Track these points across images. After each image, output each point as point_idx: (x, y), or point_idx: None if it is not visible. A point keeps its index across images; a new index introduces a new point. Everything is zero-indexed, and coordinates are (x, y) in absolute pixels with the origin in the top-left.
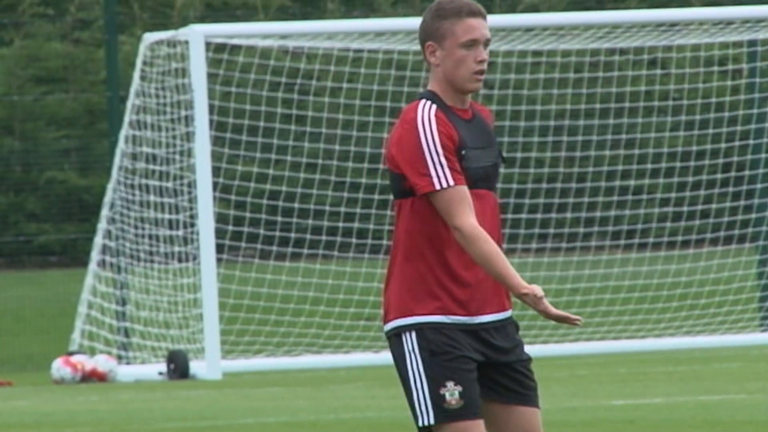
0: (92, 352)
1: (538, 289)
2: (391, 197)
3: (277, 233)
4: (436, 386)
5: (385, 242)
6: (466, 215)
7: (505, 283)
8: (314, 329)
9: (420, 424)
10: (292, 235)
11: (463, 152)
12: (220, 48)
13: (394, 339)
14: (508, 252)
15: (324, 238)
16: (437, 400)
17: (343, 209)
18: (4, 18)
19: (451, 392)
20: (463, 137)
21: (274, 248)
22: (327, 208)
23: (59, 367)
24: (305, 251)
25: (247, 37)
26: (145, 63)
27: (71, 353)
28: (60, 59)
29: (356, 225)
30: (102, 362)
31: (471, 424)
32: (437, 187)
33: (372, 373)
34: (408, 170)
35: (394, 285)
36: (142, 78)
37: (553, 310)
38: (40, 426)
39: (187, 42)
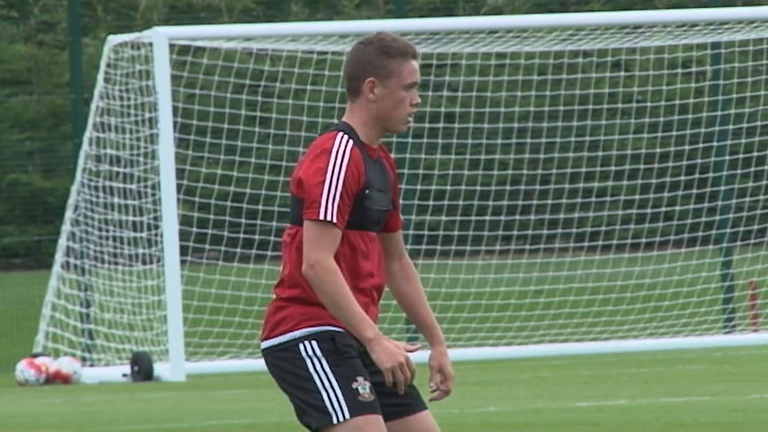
0: (56, 354)
1: (398, 350)
2: (287, 224)
3: (242, 235)
4: (347, 381)
5: None
6: (329, 253)
7: (354, 326)
8: None
9: (335, 421)
10: (257, 237)
11: (367, 191)
12: (184, 50)
13: (287, 352)
14: (472, 254)
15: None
16: (352, 394)
17: None
18: None
19: (363, 386)
20: (369, 176)
21: (239, 250)
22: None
23: (23, 369)
24: (269, 253)
25: (211, 39)
26: (108, 65)
27: (35, 355)
28: (24, 61)
29: None
30: (66, 364)
31: (381, 419)
32: (320, 216)
33: None
34: (306, 195)
35: (282, 305)
36: (106, 80)
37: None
38: (4, 428)
39: (151, 44)
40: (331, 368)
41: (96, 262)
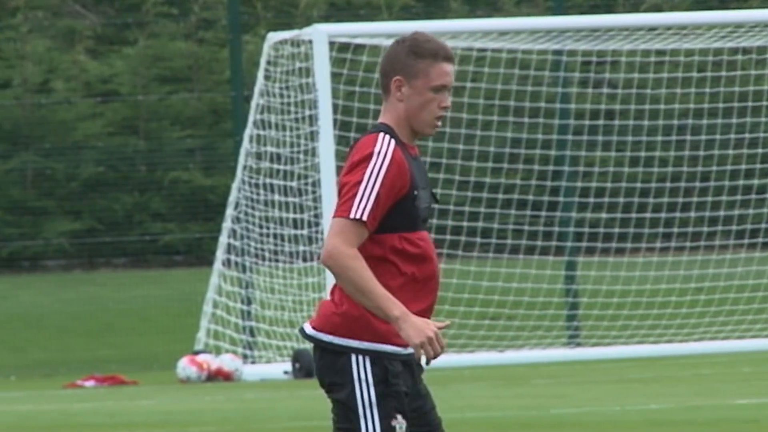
0: (218, 351)
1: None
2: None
3: None
4: (387, 420)
5: (509, 241)
6: (351, 244)
7: (380, 307)
8: None
9: None
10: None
11: (416, 192)
12: (343, 47)
13: (342, 356)
14: (633, 251)
15: (448, 237)
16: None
17: (467, 208)
18: (129, 18)
19: (401, 425)
20: (415, 176)
21: None
22: (451, 207)
23: (185, 367)
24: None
25: (371, 36)
26: (269, 62)
27: (197, 352)
28: (184, 59)
29: (480, 224)
30: (227, 361)
31: None
32: (350, 215)
33: (496, 373)
34: (341, 192)
35: (343, 299)
36: (266, 77)
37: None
38: (166, 425)
39: (310, 41)
40: (377, 400)
41: (257, 259)
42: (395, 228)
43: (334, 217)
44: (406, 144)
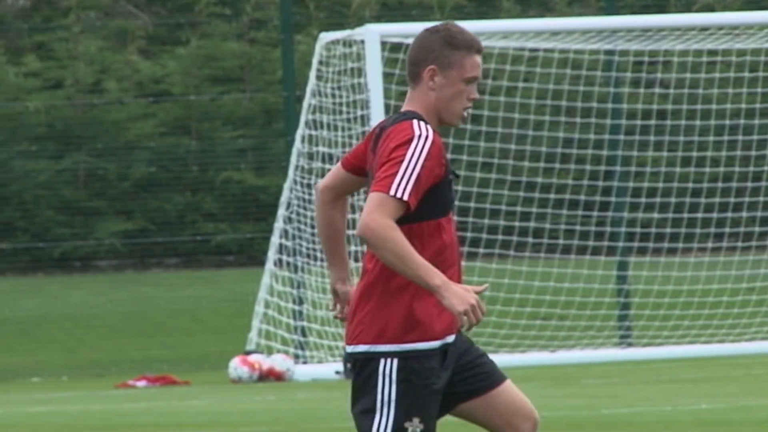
0: (269, 351)
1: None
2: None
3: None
4: (402, 419)
5: (561, 241)
6: (389, 216)
7: (421, 276)
8: (490, 329)
9: None
10: (468, 234)
11: (450, 177)
12: (395, 47)
13: (370, 362)
14: (685, 251)
15: (500, 237)
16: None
17: (519, 208)
18: (181, 18)
19: (415, 429)
20: (449, 162)
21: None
22: (503, 207)
23: (236, 367)
24: (481, 251)
25: None
26: (321, 62)
27: (248, 352)
28: (236, 59)
29: (532, 224)
30: (279, 361)
31: None
32: (390, 191)
33: (548, 373)
34: (379, 170)
35: (372, 308)
36: (318, 77)
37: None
38: (217, 425)
39: (362, 41)
40: (396, 398)
41: (308, 259)
42: (434, 214)
43: (372, 191)
44: (435, 131)
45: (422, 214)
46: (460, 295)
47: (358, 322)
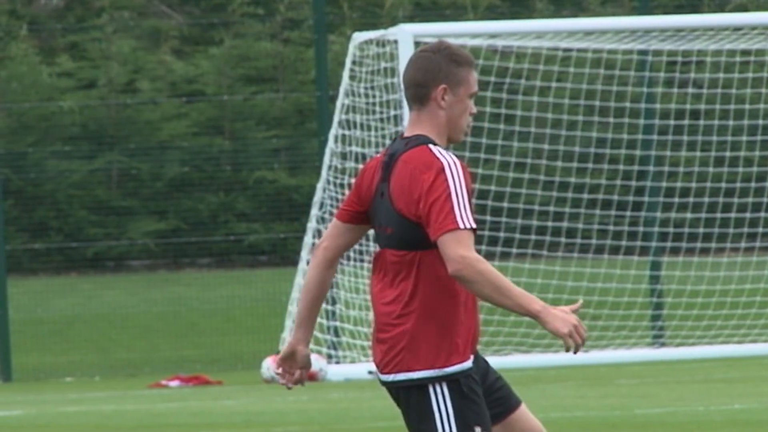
0: None
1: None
2: (396, 248)
3: (486, 232)
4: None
5: (594, 241)
6: (473, 249)
7: (522, 305)
8: (523, 328)
9: None
10: (501, 234)
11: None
12: None
13: (418, 389)
14: (717, 251)
15: (533, 237)
16: None
17: (552, 208)
18: (215, 18)
19: None
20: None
21: (483, 247)
22: (536, 207)
23: (269, 367)
24: (514, 251)
25: (456, 36)
26: (354, 62)
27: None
28: (270, 59)
29: (565, 224)
30: (312, 361)
31: None
32: (459, 225)
33: (581, 373)
34: (432, 212)
35: (408, 333)
36: (352, 77)
37: None
38: (250, 425)
39: (396, 41)
40: (455, 412)
41: (342, 259)
42: None
43: (444, 232)
44: None
45: None
46: (561, 317)
47: (389, 348)
